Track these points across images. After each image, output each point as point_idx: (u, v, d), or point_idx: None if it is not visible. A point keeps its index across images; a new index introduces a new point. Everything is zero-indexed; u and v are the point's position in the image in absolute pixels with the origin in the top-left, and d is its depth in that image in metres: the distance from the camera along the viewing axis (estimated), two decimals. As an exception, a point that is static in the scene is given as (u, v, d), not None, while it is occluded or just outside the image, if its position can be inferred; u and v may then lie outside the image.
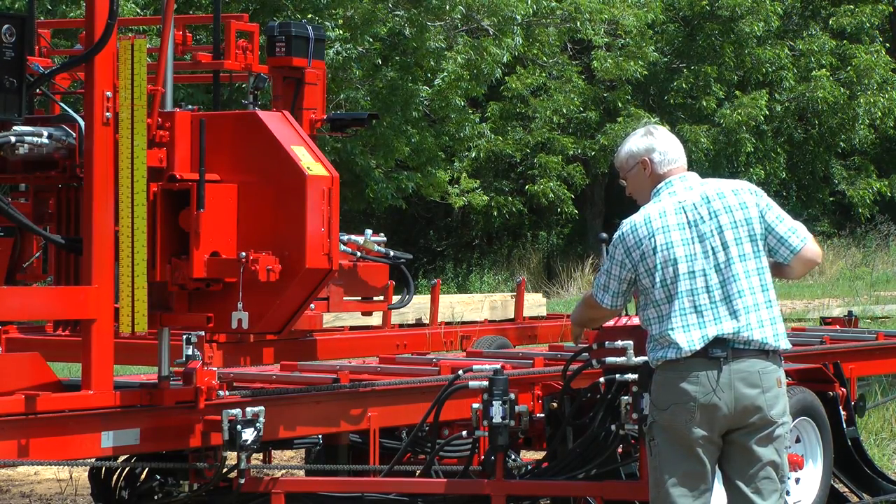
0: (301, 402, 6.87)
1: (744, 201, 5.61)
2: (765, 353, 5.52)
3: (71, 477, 9.38)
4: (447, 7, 22.68)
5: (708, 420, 5.49)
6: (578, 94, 26.96)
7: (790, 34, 29.59)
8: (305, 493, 6.80)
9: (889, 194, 29.53)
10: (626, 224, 5.66)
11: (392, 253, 8.28)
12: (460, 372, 6.89)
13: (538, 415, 6.87)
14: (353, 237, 8.11)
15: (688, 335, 5.50)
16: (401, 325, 10.53)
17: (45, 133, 6.16)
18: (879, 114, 28.52)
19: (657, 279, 5.54)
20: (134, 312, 6.07)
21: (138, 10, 19.43)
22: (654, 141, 5.71)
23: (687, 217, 5.57)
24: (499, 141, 26.58)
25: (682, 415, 5.49)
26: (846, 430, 8.10)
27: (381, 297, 8.44)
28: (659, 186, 5.67)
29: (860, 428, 8.85)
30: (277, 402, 6.68)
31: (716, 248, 5.54)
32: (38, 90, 6.53)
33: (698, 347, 5.48)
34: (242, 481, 6.50)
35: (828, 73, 28.44)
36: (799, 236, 5.61)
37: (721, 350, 5.49)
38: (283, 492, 6.63)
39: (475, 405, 6.52)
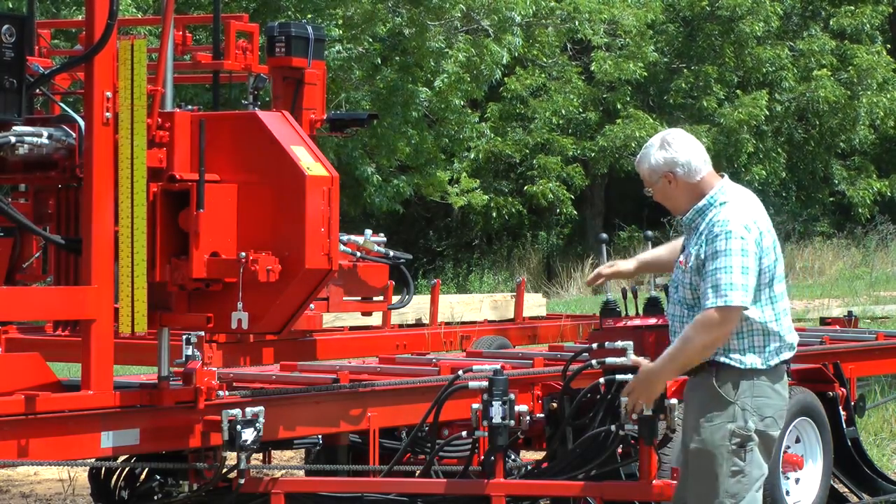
0: (301, 403, 6.87)
1: None
2: None
3: (70, 477, 9.38)
4: (447, 6, 22.67)
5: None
6: (578, 95, 26.96)
7: (790, 34, 29.59)
8: (305, 493, 6.79)
9: (889, 194, 29.52)
10: (746, 216, 5.44)
11: (392, 253, 8.30)
12: (460, 372, 6.89)
13: (538, 415, 6.87)
14: (353, 237, 8.13)
15: (793, 336, 5.54)
16: (400, 326, 10.54)
17: (45, 133, 6.16)
18: (881, 113, 28.50)
19: (778, 274, 5.47)
20: (133, 312, 6.07)
21: (136, 11, 19.42)
22: (674, 153, 5.54)
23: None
24: (498, 142, 26.58)
25: (779, 421, 5.51)
26: (846, 430, 8.11)
27: (381, 298, 8.45)
28: (720, 186, 5.52)
29: (860, 428, 8.85)
30: (277, 403, 6.68)
31: None
32: (38, 90, 6.54)
33: (794, 351, 5.54)
34: (242, 481, 6.50)
35: (829, 73, 28.43)
36: None
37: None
38: (283, 492, 6.63)
39: (475, 405, 6.52)
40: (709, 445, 5.49)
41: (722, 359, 5.47)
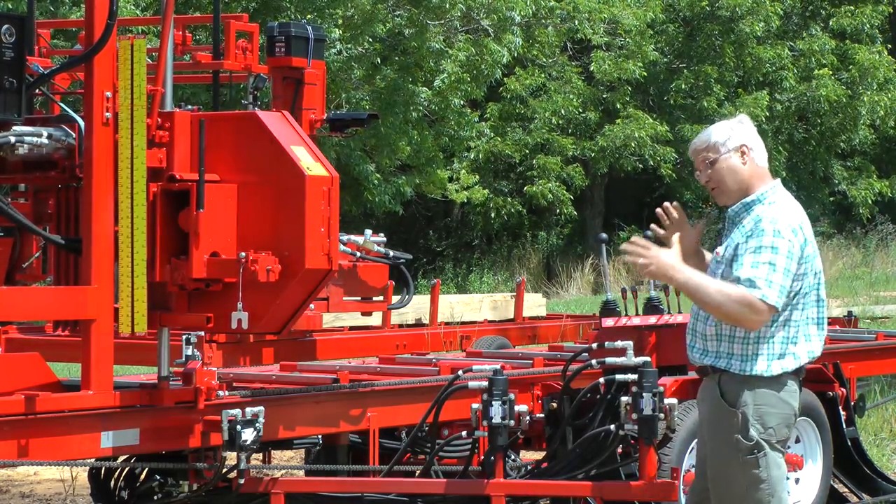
0: (301, 403, 6.87)
1: None
2: None
3: (73, 477, 9.38)
4: (447, 6, 22.67)
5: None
6: (578, 95, 26.95)
7: (790, 34, 29.59)
8: (305, 493, 6.80)
9: (890, 195, 29.51)
10: (795, 220, 5.37)
11: (391, 253, 8.29)
12: (460, 372, 6.89)
13: (538, 415, 6.87)
14: (353, 237, 8.12)
15: (808, 346, 5.44)
16: (400, 326, 10.53)
17: (45, 133, 6.15)
18: (882, 113, 28.47)
19: (811, 283, 5.40)
20: (133, 312, 6.07)
21: (137, 12, 19.43)
22: (752, 132, 5.52)
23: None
24: (498, 142, 26.58)
25: (786, 431, 5.45)
26: (846, 430, 8.11)
27: (381, 298, 8.44)
28: (773, 186, 5.47)
29: (860, 428, 8.85)
30: (277, 403, 6.68)
31: None
32: (38, 90, 6.53)
33: (804, 362, 5.45)
34: (242, 481, 6.50)
35: (830, 72, 28.42)
36: None
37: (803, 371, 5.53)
38: (283, 492, 6.63)
39: (475, 405, 6.52)
40: (720, 456, 5.45)
41: (724, 365, 5.42)
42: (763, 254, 5.30)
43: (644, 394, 6.26)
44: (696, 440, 6.35)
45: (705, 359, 5.49)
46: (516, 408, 6.48)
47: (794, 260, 5.31)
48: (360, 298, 8.25)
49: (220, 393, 6.39)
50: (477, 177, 26.09)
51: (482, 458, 6.58)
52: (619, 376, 6.45)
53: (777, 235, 5.31)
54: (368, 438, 7.12)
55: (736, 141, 5.48)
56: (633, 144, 26.57)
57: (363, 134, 21.54)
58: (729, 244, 5.46)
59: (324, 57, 9.11)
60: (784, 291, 5.29)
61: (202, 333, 6.62)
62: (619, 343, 6.54)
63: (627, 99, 27.49)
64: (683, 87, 27.98)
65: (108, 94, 6.07)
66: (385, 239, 8.33)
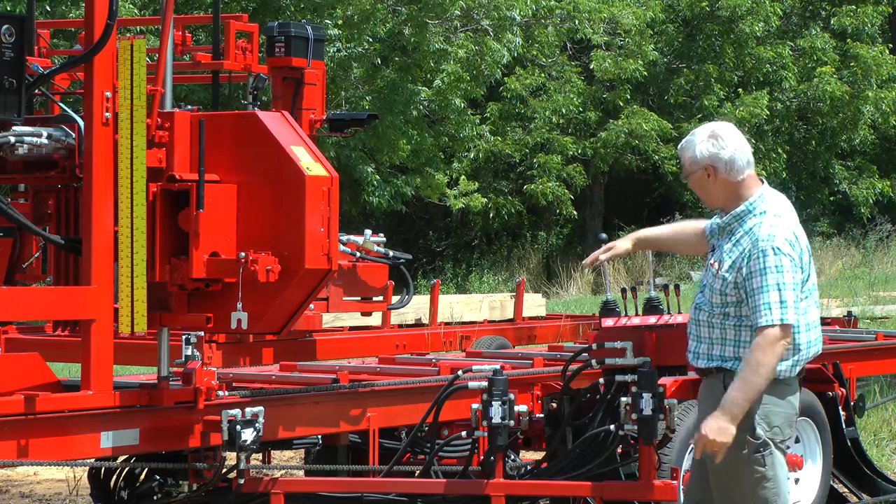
0: (300, 403, 6.87)
1: None
2: None
3: (76, 478, 9.38)
4: (446, 3, 22.65)
5: None
6: (578, 94, 26.95)
7: (790, 34, 29.58)
8: (305, 493, 6.80)
9: (890, 194, 29.51)
10: (789, 230, 5.42)
11: (391, 253, 8.29)
12: (460, 372, 6.88)
13: (538, 415, 6.87)
14: (353, 237, 8.12)
15: (809, 346, 5.49)
16: (400, 326, 10.53)
17: (45, 133, 6.16)
18: (888, 110, 28.44)
19: (808, 287, 5.47)
20: (133, 313, 6.07)
21: (136, 11, 19.43)
22: (719, 149, 5.47)
23: None
24: (498, 141, 26.57)
25: (788, 431, 5.49)
26: (845, 430, 8.11)
27: (381, 298, 8.44)
28: (759, 194, 5.49)
29: (860, 428, 8.85)
30: (277, 403, 6.68)
31: None
32: (37, 90, 6.54)
33: (805, 361, 5.51)
34: (242, 482, 6.49)
35: (832, 70, 28.41)
36: None
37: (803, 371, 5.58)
38: (283, 492, 6.63)
39: (475, 405, 6.52)
40: (726, 454, 5.41)
41: (730, 366, 5.44)
42: (769, 276, 5.34)
43: (644, 394, 6.26)
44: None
45: (711, 362, 5.51)
46: (516, 408, 6.48)
47: (796, 273, 5.38)
48: (359, 298, 8.26)
49: (220, 393, 6.39)
50: (476, 184, 26.08)
51: (482, 458, 6.58)
52: (618, 376, 6.45)
53: (778, 253, 5.35)
54: (368, 438, 7.12)
55: (702, 162, 5.50)
56: (635, 141, 26.55)
57: (363, 134, 21.53)
58: (723, 259, 5.48)
59: (323, 57, 9.12)
60: (796, 306, 5.35)
61: (202, 333, 6.61)
62: (619, 343, 6.54)
63: (627, 97, 27.48)
64: (684, 85, 27.95)
65: (108, 94, 6.07)
66: (385, 239, 8.33)
